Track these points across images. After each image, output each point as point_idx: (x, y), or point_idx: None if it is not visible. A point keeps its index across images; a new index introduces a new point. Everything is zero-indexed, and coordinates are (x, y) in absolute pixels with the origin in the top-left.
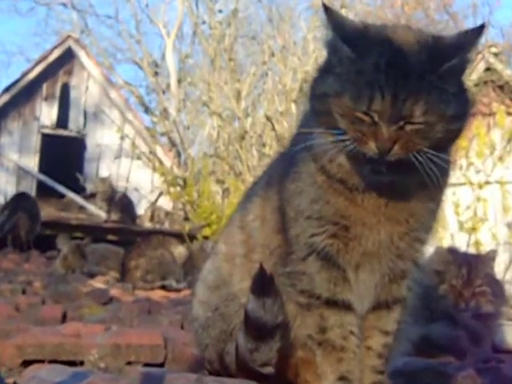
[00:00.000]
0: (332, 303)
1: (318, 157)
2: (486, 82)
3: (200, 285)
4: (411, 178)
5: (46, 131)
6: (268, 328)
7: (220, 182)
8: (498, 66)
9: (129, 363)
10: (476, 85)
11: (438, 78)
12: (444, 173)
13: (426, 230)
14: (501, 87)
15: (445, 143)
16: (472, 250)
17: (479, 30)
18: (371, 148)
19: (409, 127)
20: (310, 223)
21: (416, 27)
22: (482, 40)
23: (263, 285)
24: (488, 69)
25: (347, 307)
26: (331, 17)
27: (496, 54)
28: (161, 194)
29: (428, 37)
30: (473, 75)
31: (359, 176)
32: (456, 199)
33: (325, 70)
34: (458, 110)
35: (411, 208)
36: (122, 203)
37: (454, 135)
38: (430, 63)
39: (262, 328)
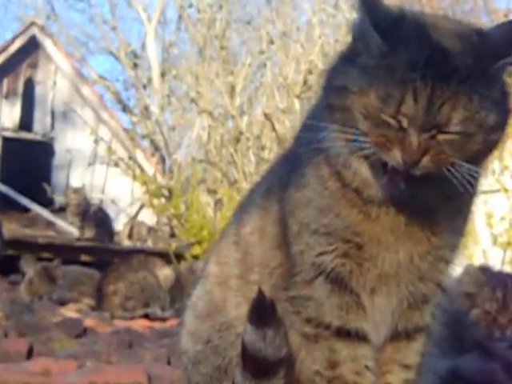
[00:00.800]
0: (344, 333)
1: (333, 159)
2: None
3: (189, 313)
4: (435, 193)
5: (7, 134)
6: (270, 363)
7: (211, 191)
8: None
9: None
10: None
11: (482, 81)
12: (475, 184)
13: (451, 247)
14: None
15: (481, 156)
16: (508, 269)
17: None
18: (395, 157)
19: (442, 137)
20: (317, 239)
21: (455, 18)
22: None
23: (263, 313)
24: None
25: (361, 338)
26: (366, 3)
27: None
28: (142, 206)
29: (472, 31)
30: None
31: (376, 186)
32: (488, 209)
33: (348, 59)
34: (498, 119)
35: (434, 224)
36: (96, 218)
37: (491, 147)
38: (474, 64)
39: (263, 363)
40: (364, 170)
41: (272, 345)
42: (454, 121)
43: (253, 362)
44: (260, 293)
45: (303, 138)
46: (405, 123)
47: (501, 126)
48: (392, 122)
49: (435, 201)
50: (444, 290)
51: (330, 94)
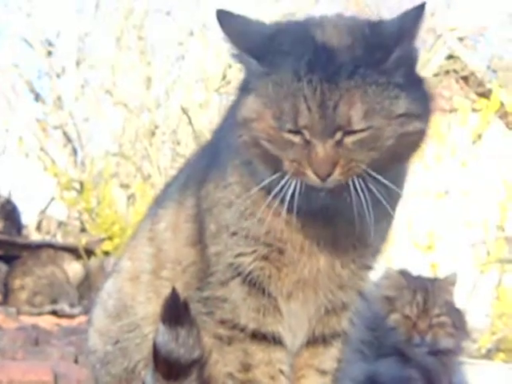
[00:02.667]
0: (259, 336)
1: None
2: (447, 72)
3: (98, 311)
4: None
5: None
6: (182, 365)
7: (124, 186)
8: (462, 53)
9: None
10: (435, 75)
11: (377, 71)
12: (399, 185)
13: (374, 253)
14: (465, 78)
15: (403, 151)
16: (428, 273)
17: (419, 10)
18: (311, 178)
19: (349, 139)
20: (237, 241)
21: (351, 14)
22: (444, 22)
23: (176, 312)
24: (450, 56)
25: (277, 342)
26: (228, 26)
27: (460, 39)
28: (52, 199)
29: (363, 25)
30: (432, 63)
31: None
32: (409, 212)
33: (242, 89)
34: (412, 107)
35: (358, 231)
36: (4, 210)
37: (413, 139)
38: (365, 55)
39: (175, 365)
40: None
41: (185, 346)
42: (354, 118)
43: (165, 364)
44: (173, 292)
45: (226, 135)
46: (307, 135)
47: (418, 115)
48: (296, 139)
49: (358, 208)
50: (363, 297)
51: (240, 133)
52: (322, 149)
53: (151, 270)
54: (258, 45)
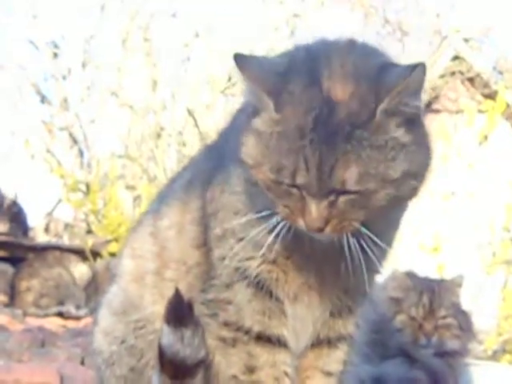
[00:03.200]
0: (264, 339)
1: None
2: (453, 73)
3: (103, 311)
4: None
5: None
6: (188, 365)
7: (130, 187)
8: (468, 55)
9: None
10: (441, 76)
11: (371, 130)
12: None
13: (381, 259)
14: (471, 80)
15: (395, 207)
16: (434, 275)
17: (421, 68)
18: (301, 225)
19: (343, 198)
20: (244, 246)
21: (363, 44)
22: (450, 23)
23: (180, 313)
24: (456, 57)
25: (281, 344)
26: (247, 69)
27: (466, 40)
28: (59, 201)
29: (369, 69)
30: (437, 65)
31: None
32: (415, 213)
33: (246, 122)
34: (409, 167)
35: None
36: (11, 212)
37: (407, 196)
38: (360, 111)
39: (181, 365)
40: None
41: (190, 346)
42: (349, 182)
43: (171, 365)
44: (177, 292)
45: (231, 141)
46: (303, 192)
47: (416, 172)
48: (293, 190)
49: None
50: (369, 299)
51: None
52: (316, 208)
53: (155, 271)
54: (274, 87)
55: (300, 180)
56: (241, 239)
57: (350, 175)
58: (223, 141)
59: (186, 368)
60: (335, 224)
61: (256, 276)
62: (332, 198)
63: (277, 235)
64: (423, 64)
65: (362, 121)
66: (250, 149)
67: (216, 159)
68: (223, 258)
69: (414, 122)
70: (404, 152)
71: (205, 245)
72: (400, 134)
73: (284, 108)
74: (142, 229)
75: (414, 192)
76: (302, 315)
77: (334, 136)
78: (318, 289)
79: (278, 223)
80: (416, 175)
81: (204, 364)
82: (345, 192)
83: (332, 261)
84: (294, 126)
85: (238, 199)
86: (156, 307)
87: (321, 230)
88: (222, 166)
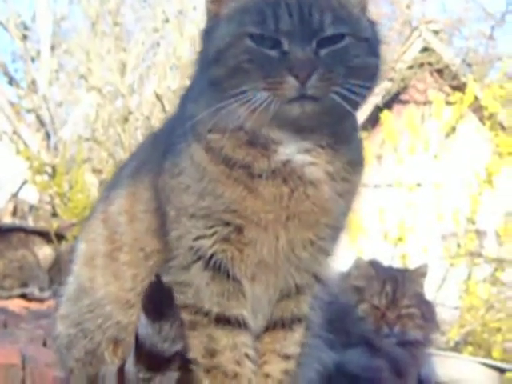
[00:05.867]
0: (223, 321)
1: (216, 145)
2: (422, 65)
3: (62, 299)
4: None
5: None
6: (165, 357)
7: (97, 171)
8: (437, 46)
9: None
10: (410, 67)
11: None
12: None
13: (334, 237)
14: (439, 71)
15: (361, 80)
16: (398, 265)
17: None
18: (289, 83)
19: (323, 51)
20: (196, 223)
21: None
22: (419, 14)
23: (159, 304)
24: (425, 49)
25: (241, 325)
26: None
27: (435, 32)
28: (24, 183)
29: None
30: (406, 56)
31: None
32: (381, 203)
33: (213, 20)
34: (368, 33)
35: (324, 201)
36: None
37: (369, 73)
38: None
39: (158, 357)
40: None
41: (168, 339)
42: (326, 23)
43: (148, 356)
44: (157, 280)
45: (176, 123)
46: (286, 45)
47: (374, 49)
48: (273, 53)
49: (327, 165)
50: (322, 282)
51: (210, 68)
52: (302, 52)
53: (107, 253)
54: None
55: (284, 26)
56: (192, 215)
57: (325, 17)
58: (169, 128)
59: (163, 360)
60: (321, 73)
61: (211, 256)
62: (314, 45)
63: (255, 108)
64: None
65: None
66: (221, 32)
67: (163, 147)
68: (178, 238)
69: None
70: (366, 21)
71: (163, 233)
72: (354, 1)
73: None
74: (95, 215)
75: (372, 78)
76: (258, 294)
77: None
78: (273, 267)
79: (260, 97)
80: (374, 51)
81: (180, 354)
82: (323, 39)
83: (289, 224)
84: None
85: (186, 175)
86: (108, 288)
87: (308, 76)
88: (169, 152)
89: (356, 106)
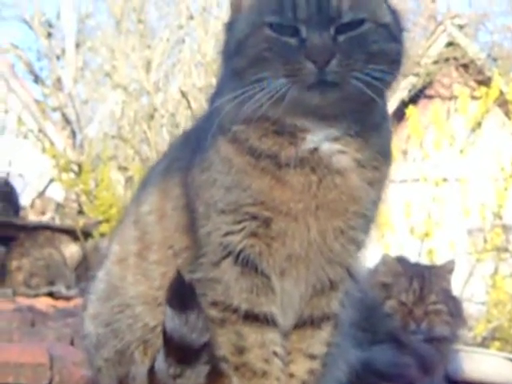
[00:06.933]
0: (252, 317)
1: (242, 136)
2: (447, 60)
3: (91, 296)
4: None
5: None
6: (194, 349)
7: (123, 168)
8: (463, 41)
9: None
10: (435, 62)
11: None
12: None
13: (365, 227)
14: (465, 66)
15: (382, 66)
16: (425, 261)
17: None
18: (308, 69)
19: (342, 37)
20: (225, 218)
21: None
22: (444, 9)
23: (183, 296)
24: (450, 44)
25: (269, 322)
26: None
27: (460, 27)
28: (51, 181)
29: None
30: (431, 50)
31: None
32: (407, 198)
33: (235, 12)
34: (388, 19)
35: (353, 189)
36: (2, 191)
37: (389, 59)
38: None
39: (188, 349)
40: (287, 109)
41: (195, 329)
42: (344, 9)
43: (176, 348)
44: (178, 275)
45: (206, 122)
46: (304, 33)
47: (395, 36)
48: (292, 40)
49: (355, 156)
50: (354, 278)
51: (232, 60)
52: (320, 39)
53: (137, 252)
54: None
55: (301, 13)
56: (222, 211)
57: (343, 4)
58: (199, 126)
59: (192, 351)
60: (340, 59)
61: (240, 251)
62: (332, 31)
63: (273, 95)
64: None
65: None
66: (241, 25)
67: (193, 145)
68: (208, 235)
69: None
70: (385, 5)
71: (193, 230)
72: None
73: None
74: (127, 218)
75: (395, 65)
76: (289, 290)
77: None
78: (304, 260)
79: (280, 83)
80: (396, 38)
81: (208, 347)
82: (342, 25)
83: (319, 214)
84: None
85: (213, 169)
86: (139, 288)
87: (327, 61)
88: (198, 149)
89: (379, 92)
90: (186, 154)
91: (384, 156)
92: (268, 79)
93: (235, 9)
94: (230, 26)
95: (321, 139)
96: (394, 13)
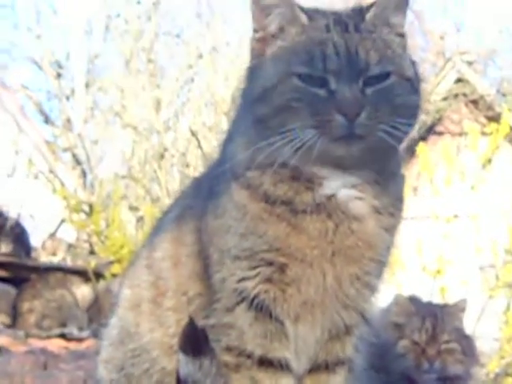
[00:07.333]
0: (266, 363)
1: (256, 182)
2: (456, 96)
3: (104, 342)
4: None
5: None
6: None
7: (133, 208)
8: (472, 77)
9: None
10: (445, 98)
11: (370, 28)
12: (401, 183)
13: (379, 272)
14: (474, 102)
15: (405, 118)
16: (437, 298)
17: None
18: (338, 122)
19: (370, 89)
20: (239, 264)
21: None
22: (452, 45)
23: (197, 342)
24: (459, 80)
25: (284, 368)
26: None
27: (469, 63)
28: (62, 222)
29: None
30: (441, 87)
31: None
32: (418, 235)
33: (259, 58)
34: (411, 72)
35: (370, 236)
36: (13, 232)
37: (411, 112)
38: (358, 16)
39: None
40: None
41: (209, 375)
42: (372, 62)
43: None
44: (191, 321)
45: (218, 167)
46: (333, 84)
47: (417, 88)
48: (321, 92)
49: (370, 203)
50: (368, 321)
51: (255, 106)
52: (350, 91)
53: (151, 299)
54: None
55: (331, 65)
56: (236, 257)
57: (371, 57)
58: (211, 171)
59: None
60: (369, 112)
61: (254, 297)
62: (361, 83)
63: (301, 146)
64: None
65: (359, 20)
66: (268, 72)
67: (205, 192)
68: (222, 281)
69: (400, 37)
70: (408, 59)
71: (206, 276)
72: (397, 40)
73: (312, 16)
74: (139, 262)
75: (413, 118)
76: (303, 335)
77: (348, 27)
78: (319, 305)
79: (308, 134)
80: (417, 90)
81: None
82: (369, 78)
83: (335, 260)
84: (320, 26)
85: (227, 216)
86: (154, 335)
87: (357, 114)
88: (211, 194)
89: (400, 142)
90: (198, 202)
91: (399, 202)
92: (294, 130)
93: (257, 54)
94: (252, 72)
95: (338, 186)
96: (413, 63)
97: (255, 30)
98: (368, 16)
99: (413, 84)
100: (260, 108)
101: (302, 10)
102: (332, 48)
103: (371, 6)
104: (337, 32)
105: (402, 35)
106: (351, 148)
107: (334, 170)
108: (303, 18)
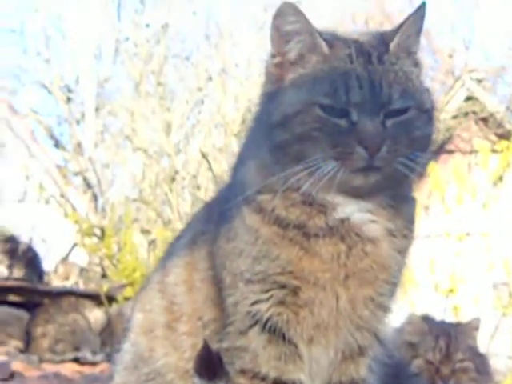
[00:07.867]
0: None
1: (268, 206)
2: (466, 114)
3: (117, 367)
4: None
5: None
6: None
7: (145, 231)
8: (481, 95)
9: None
10: (455, 117)
11: (393, 59)
12: (413, 205)
13: (392, 293)
14: (484, 120)
15: (421, 149)
16: (450, 317)
17: (419, 10)
18: (359, 154)
19: (390, 122)
20: (252, 288)
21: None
22: (461, 64)
23: (212, 365)
24: (469, 98)
25: None
26: (303, 15)
27: (479, 81)
28: (74, 246)
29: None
30: (450, 105)
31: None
32: (430, 254)
33: (277, 84)
34: (429, 104)
35: (384, 258)
36: (26, 257)
37: (428, 143)
38: (381, 46)
39: None
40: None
41: None
42: (395, 96)
43: None
44: (205, 345)
45: (230, 191)
46: (355, 116)
47: (431, 118)
48: (342, 122)
49: (383, 229)
50: (381, 342)
51: (274, 132)
52: (371, 124)
53: (165, 324)
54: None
55: (354, 97)
56: (248, 280)
57: (394, 91)
58: (222, 196)
59: None
60: (390, 145)
61: (267, 320)
62: (382, 116)
63: (322, 176)
64: (424, 3)
65: (383, 50)
66: (290, 99)
67: (216, 216)
68: (235, 304)
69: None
70: (425, 90)
71: (220, 301)
72: (416, 72)
73: (333, 44)
74: (151, 286)
75: (432, 139)
76: (317, 357)
77: (375, 61)
78: (332, 327)
79: (328, 165)
80: (432, 121)
81: None
82: (391, 112)
83: (348, 283)
84: (343, 56)
85: (239, 240)
86: (168, 359)
87: (378, 149)
88: (222, 218)
89: (414, 172)
90: (209, 227)
91: (411, 224)
92: (316, 160)
93: (275, 79)
94: (270, 97)
95: (353, 210)
96: (428, 92)
97: (273, 55)
98: (392, 46)
99: (430, 116)
100: (279, 134)
101: (322, 36)
102: (355, 81)
103: (394, 32)
104: (360, 63)
105: (418, 64)
106: (369, 178)
107: (348, 196)
108: (324, 47)
